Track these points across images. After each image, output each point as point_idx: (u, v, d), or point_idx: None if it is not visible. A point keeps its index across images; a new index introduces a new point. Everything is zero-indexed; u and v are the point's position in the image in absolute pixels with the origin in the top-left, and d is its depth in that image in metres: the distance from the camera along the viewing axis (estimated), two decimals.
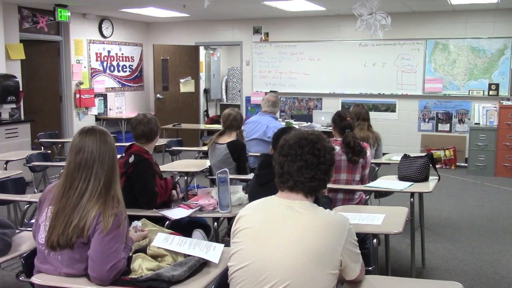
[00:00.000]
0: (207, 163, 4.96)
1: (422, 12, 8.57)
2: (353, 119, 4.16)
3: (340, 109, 7.18)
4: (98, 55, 9.50)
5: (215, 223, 3.40)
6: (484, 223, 5.49)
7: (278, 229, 1.89)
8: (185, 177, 4.69)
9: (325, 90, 9.40)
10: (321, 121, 7.85)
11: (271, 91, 9.66)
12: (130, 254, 2.35)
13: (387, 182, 4.12)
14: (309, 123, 7.74)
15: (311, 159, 1.93)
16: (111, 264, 2.13)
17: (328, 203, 3.02)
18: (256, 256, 1.88)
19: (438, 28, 8.58)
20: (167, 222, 3.18)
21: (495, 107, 8.13)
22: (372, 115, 6.92)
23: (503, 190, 6.99)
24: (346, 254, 1.88)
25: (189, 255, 2.31)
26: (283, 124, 5.64)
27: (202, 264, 2.27)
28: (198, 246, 2.37)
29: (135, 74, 10.46)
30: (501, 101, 8.03)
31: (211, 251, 2.33)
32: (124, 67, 10.17)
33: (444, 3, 7.60)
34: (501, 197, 6.64)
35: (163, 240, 2.43)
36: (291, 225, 1.88)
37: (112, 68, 9.84)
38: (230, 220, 4.19)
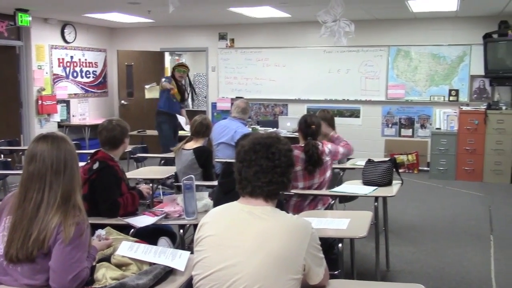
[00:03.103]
0: (173, 169, 4.92)
1: (385, 19, 8.75)
2: (318, 126, 4.19)
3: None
4: (61, 60, 9.32)
5: (181, 230, 3.37)
6: (445, 226, 5.62)
7: (241, 236, 1.88)
8: (151, 184, 4.63)
9: (291, 96, 9.47)
10: (287, 126, 7.91)
11: (237, 97, 9.66)
12: (94, 263, 2.30)
13: (352, 186, 4.18)
14: (275, 129, 7.78)
15: (266, 163, 1.93)
16: (73, 274, 2.07)
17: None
18: (220, 263, 1.87)
19: (400, 35, 8.77)
20: (132, 230, 3.14)
21: (455, 112, 8.35)
22: (337, 120, 6.97)
23: (464, 193, 7.17)
24: (309, 258, 1.88)
25: (154, 263, 2.28)
26: (250, 130, 5.66)
27: (168, 272, 2.25)
28: (163, 254, 2.34)
29: (99, 80, 10.31)
30: (461, 107, 8.26)
31: (177, 258, 2.30)
32: (88, 73, 10.00)
33: (406, 11, 7.78)
34: (462, 200, 6.82)
35: (128, 248, 2.39)
36: (254, 231, 1.88)
37: (75, 74, 9.66)
38: (196, 227, 4.17)
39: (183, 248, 3.17)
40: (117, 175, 3.45)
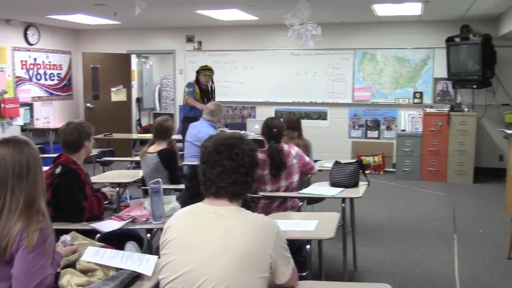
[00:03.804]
0: (139, 173, 4.87)
1: (351, 23, 8.87)
2: (281, 129, 4.18)
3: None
4: (24, 63, 9.11)
5: (148, 235, 3.33)
6: (411, 226, 5.72)
7: (207, 237, 1.88)
8: (117, 188, 4.57)
9: (259, 98, 9.50)
10: (255, 129, 7.92)
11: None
12: (58, 270, 2.26)
13: (320, 188, 4.22)
14: (243, 132, 7.78)
15: (229, 163, 1.94)
16: (36, 281, 2.02)
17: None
18: (188, 265, 1.86)
19: (366, 38, 8.91)
20: (98, 235, 3.09)
21: (420, 114, 8.52)
22: (305, 123, 7.06)
23: (428, 194, 7.32)
24: (276, 257, 1.89)
25: (121, 269, 2.26)
26: (215, 131, 5.65)
27: (135, 277, 2.22)
28: (130, 259, 2.32)
29: (64, 83, 10.12)
30: (425, 109, 8.43)
31: (144, 263, 2.28)
32: (52, 75, 9.81)
33: (371, 15, 7.90)
34: (427, 200, 6.96)
35: (93, 253, 2.36)
36: (219, 231, 1.88)
37: (38, 77, 9.46)
38: None
39: (150, 253, 3.15)
40: (80, 178, 3.39)
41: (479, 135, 8.33)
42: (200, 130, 5.59)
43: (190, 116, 7.10)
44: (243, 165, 1.95)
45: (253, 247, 1.85)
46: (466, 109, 8.22)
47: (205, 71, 7.36)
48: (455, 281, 4.14)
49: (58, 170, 3.33)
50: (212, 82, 7.47)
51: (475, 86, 8.03)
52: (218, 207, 1.95)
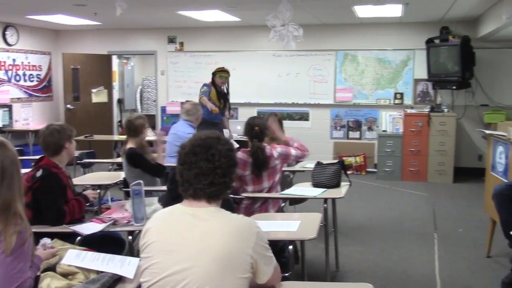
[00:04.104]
0: (121, 175, 4.83)
1: (332, 24, 8.92)
2: (263, 127, 4.18)
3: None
4: (2, 63, 8.98)
5: (130, 237, 3.31)
6: (392, 225, 5.77)
7: (185, 239, 1.87)
8: (98, 190, 4.53)
9: (241, 99, 9.48)
10: (237, 130, 7.93)
11: (187, 101, 9.60)
12: (38, 274, 2.23)
13: (302, 189, 4.23)
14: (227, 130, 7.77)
15: (205, 165, 1.92)
16: (15, 285, 1.99)
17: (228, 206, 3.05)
18: (168, 269, 1.84)
19: (347, 40, 8.97)
20: (78, 237, 3.05)
21: (401, 115, 8.60)
22: (287, 123, 7.05)
23: (409, 193, 7.40)
24: (257, 257, 1.89)
25: (102, 272, 2.23)
26: (193, 131, 5.61)
27: (116, 280, 2.20)
28: (112, 262, 2.30)
29: (43, 84, 10.00)
30: (406, 109, 8.52)
31: (126, 266, 2.26)
32: (31, 76, 9.68)
33: (352, 17, 7.96)
34: (408, 200, 7.03)
35: (74, 256, 2.33)
36: (198, 233, 1.87)
37: (17, 78, 9.33)
38: None
39: (132, 255, 3.12)
40: (61, 182, 3.35)
41: (459, 135, 8.45)
42: (179, 129, 5.64)
43: (205, 118, 6.69)
44: (220, 166, 1.93)
45: (232, 248, 1.84)
46: (446, 110, 8.33)
47: (221, 73, 7.14)
48: (435, 279, 4.18)
49: (39, 173, 3.28)
50: (228, 84, 7.25)
51: (454, 87, 8.14)
52: (197, 208, 1.93)
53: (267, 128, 4.31)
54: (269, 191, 4.11)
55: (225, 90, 7.22)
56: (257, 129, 4.08)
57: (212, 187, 1.92)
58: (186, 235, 1.87)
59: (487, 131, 5.01)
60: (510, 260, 3.58)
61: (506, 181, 4.14)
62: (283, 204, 4.20)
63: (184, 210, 1.95)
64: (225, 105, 7.21)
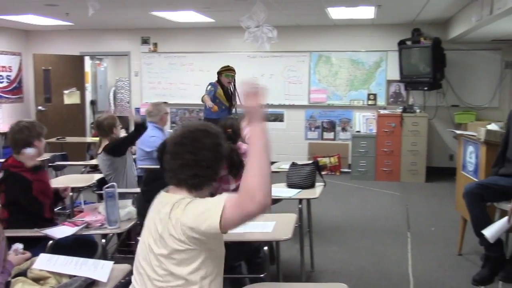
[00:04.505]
0: (94, 177, 4.77)
1: (306, 26, 8.98)
2: (236, 128, 4.16)
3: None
4: None
5: (103, 240, 3.27)
6: (366, 225, 5.83)
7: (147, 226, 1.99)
8: (70, 193, 4.46)
9: None
10: None
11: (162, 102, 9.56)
12: (9, 279, 2.19)
13: (277, 190, 4.24)
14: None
15: (190, 157, 1.94)
16: None
17: None
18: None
19: (321, 41, 9.04)
20: (50, 241, 3.00)
21: (374, 115, 8.70)
22: None
23: (383, 193, 7.49)
24: (190, 218, 1.83)
25: (75, 276, 2.20)
26: (160, 133, 5.51)
27: (90, 284, 2.18)
28: (85, 265, 2.27)
29: (14, 85, 9.80)
30: (379, 110, 8.63)
31: (99, 269, 2.24)
32: (1, 77, 9.48)
33: (326, 18, 8.02)
34: (381, 200, 7.11)
35: (46, 261, 2.30)
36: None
37: None
38: (120, 235, 4.07)
39: (105, 259, 3.08)
40: (24, 179, 3.27)
41: (430, 135, 8.59)
42: (146, 133, 5.47)
43: (211, 118, 6.60)
44: (204, 159, 1.95)
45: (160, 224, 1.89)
46: (418, 110, 8.46)
47: (227, 72, 7.01)
48: (409, 278, 4.24)
49: (0, 175, 3.24)
50: (235, 82, 7.10)
51: (426, 88, 8.28)
52: (174, 195, 1.95)
53: (239, 129, 4.28)
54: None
55: (232, 89, 7.10)
56: (230, 131, 4.07)
57: (195, 178, 1.94)
58: (148, 223, 1.97)
59: (458, 131, 5.11)
60: (480, 258, 3.66)
61: (476, 180, 4.23)
62: None
63: (161, 199, 1.98)
64: (232, 104, 7.08)
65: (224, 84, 6.94)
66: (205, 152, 1.95)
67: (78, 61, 10.06)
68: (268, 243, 3.22)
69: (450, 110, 8.61)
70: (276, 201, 4.74)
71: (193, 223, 1.79)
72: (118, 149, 4.53)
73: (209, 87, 6.96)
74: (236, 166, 3.99)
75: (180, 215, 1.83)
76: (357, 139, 8.54)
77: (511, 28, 6.57)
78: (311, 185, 4.24)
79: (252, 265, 3.56)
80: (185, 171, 1.94)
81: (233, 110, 7.07)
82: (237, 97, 7.01)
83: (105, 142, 4.59)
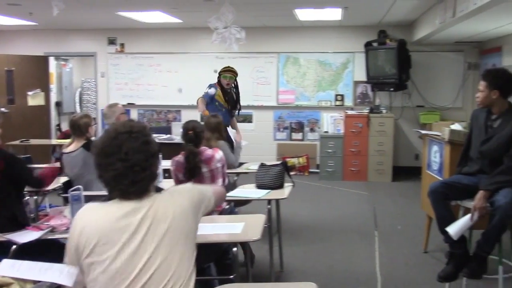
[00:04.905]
0: (60, 180, 4.66)
1: (274, 27, 9.02)
2: (197, 131, 4.11)
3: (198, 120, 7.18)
4: None
5: None
6: (335, 224, 5.90)
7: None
8: (35, 197, 4.36)
9: (184, 102, 9.41)
10: (180, 133, 7.84)
11: (129, 104, 9.48)
12: None
13: (246, 190, 4.25)
14: (168, 135, 7.70)
15: (121, 165, 1.81)
16: None
17: None
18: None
19: (289, 42, 9.09)
20: (14, 246, 2.93)
21: (341, 116, 8.79)
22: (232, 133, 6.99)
23: (351, 193, 7.58)
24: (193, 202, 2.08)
25: (39, 281, 2.15)
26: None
27: None
28: (50, 270, 2.22)
29: None
30: (346, 111, 8.73)
31: (65, 274, 2.19)
32: None
33: (294, 20, 8.07)
34: (349, 199, 7.20)
35: (9, 266, 2.24)
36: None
37: None
38: None
39: None
40: None
41: (397, 135, 8.74)
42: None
43: None
44: (137, 163, 1.82)
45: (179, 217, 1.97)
46: (384, 111, 8.59)
47: (225, 73, 6.57)
48: (376, 276, 4.31)
49: None
50: (236, 85, 6.65)
51: (392, 89, 8.42)
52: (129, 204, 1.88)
53: (203, 131, 4.23)
54: None
55: (234, 91, 6.66)
56: (191, 133, 4.00)
57: (134, 185, 1.83)
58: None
59: (423, 131, 5.21)
60: (445, 255, 3.74)
61: (441, 179, 4.32)
62: (227, 207, 4.18)
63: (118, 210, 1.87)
64: (234, 106, 6.62)
65: (223, 86, 6.53)
66: (135, 156, 1.82)
67: (42, 61, 9.85)
68: (245, 244, 3.21)
69: (415, 111, 8.78)
70: (245, 202, 4.75)
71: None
72: None
73: (208, 89, 6.62)
74: (190, 170, 3.93)
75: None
76: (325, 140, 8.62)
77: (473, 30, 6.76)
78: (280, 186, 4.25)
79: (221, 267, 3.56)
80: (122, 181, 1.81)
81: (236, 112, 6.72)
82: (239, 99, 6.71)
83: (80, 142, 4.45)
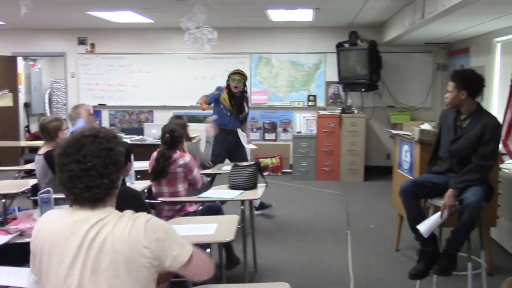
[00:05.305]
0: (29, 183, 4.57)
1: (246, 27, 9.02)
2: (174, 134, 4.16)
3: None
4: None
5: None
6: (308, 224, 5.93)
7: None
8: (3, 200, 4.26)
9: (156, 102, 9.35)
10: (153, 134, 7.77)
11: (99, 104, 9.37)
12: None
13: (219, 191, 4.25)
14: (140, 136, 7.62)
15: (76, 167, 1.74)
16: None
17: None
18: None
19: (261, 43, 9.11)
20: None
21: (314, 116, 8.85)
22: (203, 126, 6.88)
23: (323, 193, 7.63)
24: (154, 245, 1.78)
25: (7, 286, 2.11)
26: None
27: None
28: (18, 274, 2.18)
29: None
30: (319, 111, 8.79)
31: (33, 278, 2.14)
32: None
33: (266, 20, 8.09)
34: (322, 199, 7.25)
35: None
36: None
37: None
38: None
39: None
40: None
41: (368, 135, 8.85)
42: None
43: (220, 127, 6.13)
44: (93, 167, 1.74)
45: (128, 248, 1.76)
46: (356, 111, 8.68)
47: (234, 75, 6.30)
48: (349, 274, 4.35)
49: None
50: (243, 88, 6.38)
51: (363, 89, 8.51)
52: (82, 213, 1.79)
53: (181, 134, 4.27)
54: (170, 197, 4.10)
55: (244, 96, 6.40)
56: (168, 137, 4.10)
57: (89, 191, 1.75)
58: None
59: (394, 131, 5.28)
60: (416, 253, 3.79)
61: (411, 178, 4.39)
62: (192, 211, 4.16)
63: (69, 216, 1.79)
64: (240, 111, 6.34)
65: (232, 89, 6.24)
66: (92, 160, 1.75)
67: (10, 61, 9.63)
68: (226, 245, 3.20)
69: (386, 111, 8.90)
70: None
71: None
72: (55, 169, 4.28)
73: (215, 90, 6.41)
74: (155, 172, 4.03)
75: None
76: (298, 140, 8.66)
77: (441, 32, 6.89)
78: (253, 186, 4.27)
79: None
80: (76, 183, 1.74)
81: (245, 116, 6.44)
82: (246, 103, 6.46)
83: (49, 147, 4.34)
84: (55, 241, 1.73)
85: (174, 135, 4.11)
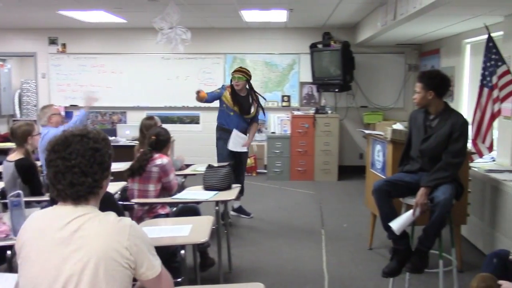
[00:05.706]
0: None
1: (220, 28, 9.01)
2: (160, 137, 4.23)
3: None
4: None
5: (9, 252, 3.07)
6: (283, 224, 5.95)
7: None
8: None
9: (129, 103, 9.26)
10: (126, 134, 7.71)
11: (71, 105, 9.24)
12: None
13: (194, 192, 4.24)
14: (113, 137, 7.54)
15: (62, 163, 1.81)
16: None
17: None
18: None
19: (235, 43, 9.10)
20: None
21: (288, 117, 8.89)
22: (177, 127, 6.92)
23: (298, 192, 7.67)
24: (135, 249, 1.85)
25: None
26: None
27: None
28: None
29: None
30: (293, 111, 8.83)
31: (3, 283, 2.11)
32: None
33: (240, 21, 8.09)
34: (297, 199, 7.28)
35: None
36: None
37: None
38: None
39: (10, 271, 2.91)
40: None
41: (342, 135, 8.93)
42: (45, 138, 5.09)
43: (218, 125, 6.12)
44: (77, 165, 1.81)
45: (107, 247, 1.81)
46: (329, 111, 8.75)
47: (234, 73, 5.98)
48: (323, 273, 4.38)
49: None
50: (250, 86, 6.08)
51: (337, 90, 8.58)
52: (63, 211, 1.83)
53: (167, 138, 4.32)
54: (139, 196, 4.09)
55: (250, 95, 6.07)
56: (153, 139, 4.18)
57: (72, 187, 1.81)
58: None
59: (367, 131, 5.34)
60: (389, 251, 3.85)
61: (384, 177, 4.44)
62: (164, 213, 4.14)
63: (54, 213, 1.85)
64: (247, 111, 6.02)
65: (234, 88, 5.95)
66: (77, 158, 1.81)
67: None
68: (185, 246, 3.19)
69: (360, 111, 9.00)
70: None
71: None
72: (25, 179, 4.14)
73: (218, 88, 6.24)
74: (133, 169, 4.08)
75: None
76: (272, 140, 8.68)
77: (413, 33, 7.00)
78: (228, 187, 4.27)
79: (169, 270, 3.51)
80: (61, 180, 1.80)
81: (252, 116, 6.12)
82: (252, 102, 6.08)
83: (20, 153, 4.21)
84: (37, 234, 1.80)
85: (160, 138, 4.23)
